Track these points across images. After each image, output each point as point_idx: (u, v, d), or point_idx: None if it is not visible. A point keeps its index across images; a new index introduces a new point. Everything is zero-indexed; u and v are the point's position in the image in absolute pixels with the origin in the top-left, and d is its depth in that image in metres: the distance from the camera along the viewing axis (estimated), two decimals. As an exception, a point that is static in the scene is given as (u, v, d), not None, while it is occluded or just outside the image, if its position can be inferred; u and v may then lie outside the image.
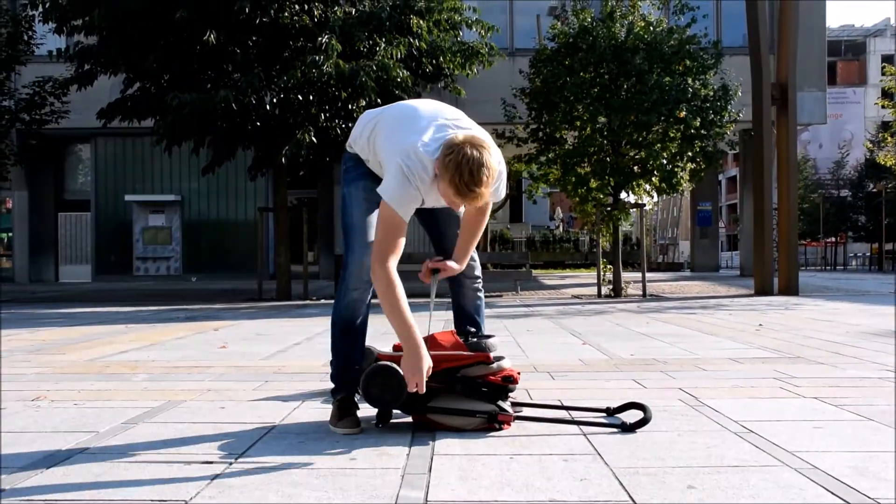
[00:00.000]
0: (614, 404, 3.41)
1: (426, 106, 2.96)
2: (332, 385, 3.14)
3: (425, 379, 2.68)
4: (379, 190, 2.77)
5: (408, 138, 2.76)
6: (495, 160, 2.68)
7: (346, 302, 3.05)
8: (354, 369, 3.04)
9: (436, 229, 3.27)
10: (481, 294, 3.36)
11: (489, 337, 3.06)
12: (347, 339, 3.09)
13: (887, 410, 3.24)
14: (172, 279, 21.64)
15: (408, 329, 2.68)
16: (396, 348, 2.90)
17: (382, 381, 2.75)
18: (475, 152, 2.58)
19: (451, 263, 3.05)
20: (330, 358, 3.15)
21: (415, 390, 2.68)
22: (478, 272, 3.33)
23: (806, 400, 3.51)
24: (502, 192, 2.95)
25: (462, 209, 3.01)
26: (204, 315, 9.55)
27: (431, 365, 2.71)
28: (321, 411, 3.35)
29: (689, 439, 2.77)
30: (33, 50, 16.91)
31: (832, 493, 2.13)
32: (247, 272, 19.71)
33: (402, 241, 2.78)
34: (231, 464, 2.48)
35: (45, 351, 5.77)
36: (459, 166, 2.56)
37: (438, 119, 2.83)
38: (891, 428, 2.93)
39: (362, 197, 3.04)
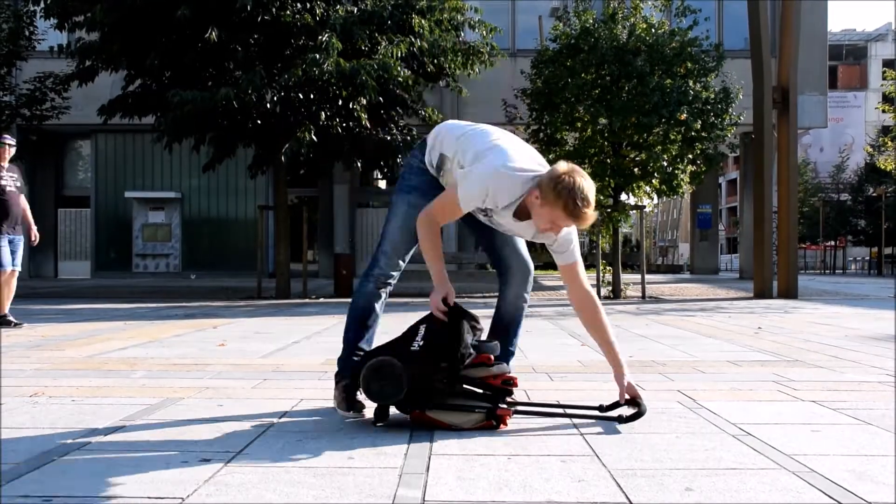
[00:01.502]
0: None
1: (514, 139, 3.23)
2: (339, 371, 3.31)
3: (452, 298, 3.02)
4: (460, 178, 3.03)
5: (504, 160, 2.98)
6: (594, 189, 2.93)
7: (365, 292, 3.31)
8: (361, 356, 3.22)
9: (486, 234, 3.38)
10: (525, 306, 3.53)
11: (491, 341, 3.14)
12: (359, 327, 3.31)
13: (886, 414, 3.24)
14: (172, 276, 21.64)
15: (437, 266, 3.08)
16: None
17: (382, 377, 2.87)
18: (583, 180, 2.85)
19: (623, 379, 3.16)
20: (328, 357, 3.21)
21: (443, 311, 2.99)
22: (530, 285, 3.49)
23: (804, 403, 3.51)
24: (574, 247, 3.20)
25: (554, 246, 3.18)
26: (203, 312, 9.55)
27: (454, 294, 3.04)
28: (319, 410, 3.35)
29: (687, 441, 2.77)
30: (35, 46, 16.91)
31: (830, 496, 2.13)
32: (246, 270, 19.73)
33: (450, 219, 3.13)
34: (228, 462, 2.48)
35: (43, 347, 5.77)
36: (573, 191, 2.80)
37: (534, 156, 3.14)
38: (889, 432, 2.93)
39: (405, 211, 3.24)
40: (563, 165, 2.91)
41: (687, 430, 2.95)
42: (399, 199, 3.28)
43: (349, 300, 3.40)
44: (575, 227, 2.97)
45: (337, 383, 3.25)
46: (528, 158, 3.05)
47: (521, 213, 3.01)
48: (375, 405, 2.95)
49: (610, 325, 3.22)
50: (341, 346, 3.34)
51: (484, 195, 2.94)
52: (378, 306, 3.31)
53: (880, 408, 3.39)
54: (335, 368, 3.35)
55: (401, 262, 3.30)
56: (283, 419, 3.16)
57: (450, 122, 3.36)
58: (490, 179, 2.93)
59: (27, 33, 16.65)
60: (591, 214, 2.87)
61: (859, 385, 4.02)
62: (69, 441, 2.76)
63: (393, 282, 3.33)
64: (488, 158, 2.99)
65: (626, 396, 3.11)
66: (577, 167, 2.92)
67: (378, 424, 2.97)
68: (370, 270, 3.31)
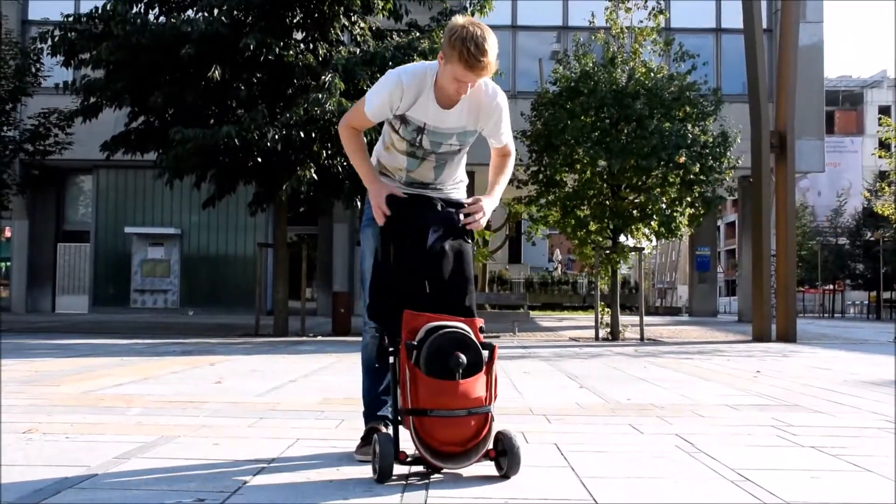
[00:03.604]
0: (610, 450, 3.40)
1: None
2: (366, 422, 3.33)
3: (385, 195, 2.98)
4: (370, 93, 3.08)
5: (401, 67, 3.12)
6: (495, 40, 2.87)
7: (365, 344, 3.32)
8: (381, 403, 3.24)
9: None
10: None
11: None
12: (370, 376, 3.32)
13: (886, 461, 3.22)
14: (170, 312, 21.58)
15: (367, 171, 3.11)
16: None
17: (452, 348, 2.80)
18: (477, 28, 2.80)
19: (484, 201, 3.08)
20: (325, 395, 3.19)
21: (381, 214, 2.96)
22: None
23: (804, 449, 3.48)
24: (506, 119, 3.17)
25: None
26: (200, 349, 9.51)
27: (390, 192, 3.00)
28: (315, 450, 3.33)
29: (685, 486, 2.75)
30: (40, 82, 17.09)
31: (830, 545, 2.11)
32: (244, 307, 19.68)
33: (365, 123, 3.14)
34: (223, 501, 2.46)
35: (38, 382, 5.74)
36: (465, 39, 2.77)
37: None
38: (889, 480, 2.91)
39: (372, 245, 3.20)
40: (460, 18, 2.89)
41: (685, 475, 2.92)
42: (364, 234, 3.29)
43: (347, 339, 3.41)
44: (474, 76, 2.85)
45: (365, 438, 3.18)
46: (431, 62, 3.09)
47: (442, 99, 2.99)
48: (380, 466, 2.71)
49: (506, 174, 3.24)
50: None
51: (395, 89, 2.96)
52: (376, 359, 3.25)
53: (880, 454, 3.37)
54: (332, 408, 3.34)
55: None
56: (279, 459, 3.13)
57: None
58: (395, 74, 3.01)
59: (33, 70, 16.84)
60: (489, 63, 2.81)
61: (859, 431, 3.99)
62: (62, 479, 2.73)
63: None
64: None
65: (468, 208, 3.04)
66: (475, 20, 2.88)
67: (381, 482, 2.73)
68: (363, 318, 3.25)
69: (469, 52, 2.76)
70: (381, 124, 3.21)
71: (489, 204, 3.08)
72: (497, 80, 12.19)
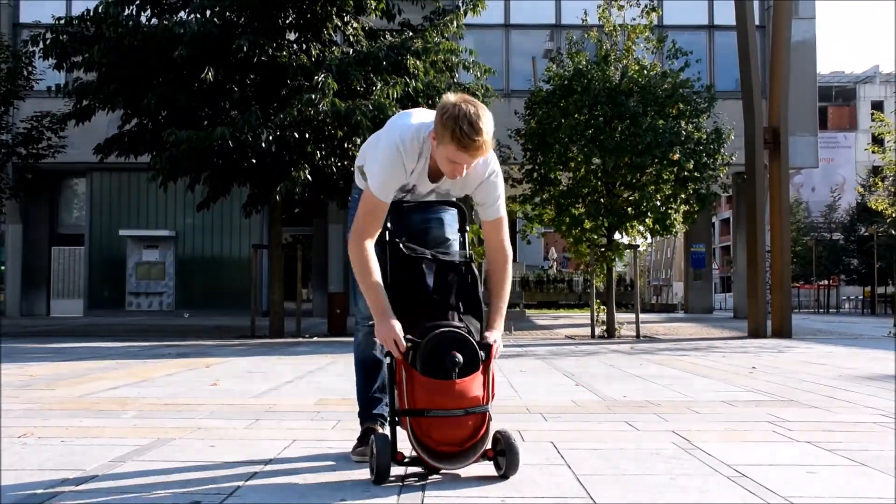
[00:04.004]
0: (607, 447, 3.40)
1: (419, 111, 3.09)
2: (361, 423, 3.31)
3: (400, 336, 2.74)
4: (366, 171, 2.95)
5: (397, 128, 2.92)
6: (490, 117, 2.75)
7: (358, 343, 3.30)
8: (376, 402, 3.24)
9: None
10: None
11: None
12: (364, 375, 3.30)
13: (881, 456, 3.23)
14: (165, 315, 21.53)
15: (378, 300, 2.82)
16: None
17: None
18: (470, 106, 2.69)
19: (490, 335, 2.90)
20: (321, 396, 3.17)
21: (395, 350, 2.76)
22: None
23: (799, 444, 3.49)
24: (500, 189, 3.01)
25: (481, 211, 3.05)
26: (196, 352, 9.50)
27: (400, 329, 2.77)
28: (311, 450, 3.33)
29: (681, 483, 2.75)
30: (33, 85, 17.05)
31: (826, 539, 2.11)
32: (240, 309, 19.60)
33: (382, 221, 2.91)
34: (220, 503, 2.46)
35: (33, 386, 5.72)
36: (457, 119, 2.65)
37: (428, 116, 2.94)
38: (884, 474, 2.91)
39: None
40: (451, 96, 2.76)
41: (681, 472, 2.93)
42: (356, 194, 3.23)
43: (343, 339, 3.40)
44: (469, 158, 2.74)
45: (361, 439, 3.17)
46: (419, 118, 2.93)
47: (433, 173, 2.92)
48: (376, 467, 2.71)
49: (507, 291, 3.04)
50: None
51: (398, 167, 2.84)
52: (377, 352, 3.22)
53: (875, 449, 3.38)
54: (328, 409, 3.34)
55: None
56: (275, 460, 3.13)
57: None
58: (391, 148, 2.84)
59: (25, 73, 16.79)
60: (484, 142, 2.68)
61: (854, 426, 4.01)
62: (57, 483, 2.72)
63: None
64: (383, 134, 2.96)
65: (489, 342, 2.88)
66: (468, 96, 2.76)
67: (378, 484, 2.74)
68: (357, 317, 3.27)
69: (462, 131, 2.64)
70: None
71: (499, 335, 2.95)
72: (491, 79, 12.25)
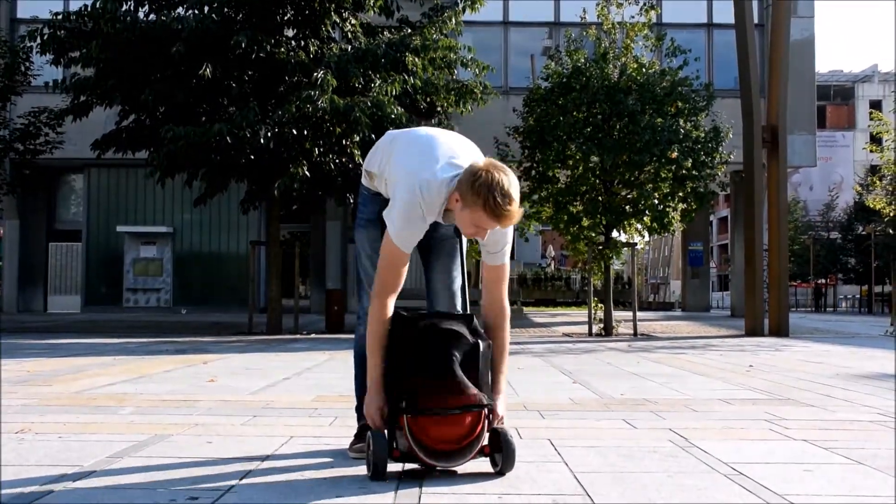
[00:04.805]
0: (604, 445, 3.40)
1: (443, 138, 3.00)
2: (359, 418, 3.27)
3: (378, 417, 2.78)
4: (385, 217, 2.87)
5: (420, 170, 2.82)
6: (517, 184, 2.74)
7: (360, 336, 3.22)
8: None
9: (427, 259, 3.26)
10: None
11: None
12: (363, 370, 3.18)
13: (878, 454, 3.23)
14: (163, 311, 21.53)
15: (377, 373, 2.83)
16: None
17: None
18: (503, 175, 2.67)
19: (500, 404, 2.88)
20: (318, 393, 3.15)
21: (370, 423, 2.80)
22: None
23: (796, 442, 3.49)
24: (510, 237, 2.97)
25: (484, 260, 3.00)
26: (193, 348, 9.49)
27: (385, 406, 2.79)
28: (309, 447, 3.32)
29: (678, 481, 2.75)
30: (30, 81, 17.01)
31: (822, 537, 2.12)
32: (237, 305, 19.63)
33: (404, 274, 2.89)
34: (217, 500, 2.45)
35: (31, 382, 5.72)
36: (491, 188, 2.62)
37: (452, 158, 2.87)
38: (881, 472, 2.92)
39: (369, 245, 3.15)
40: (480, 161, 2.74)
41: (678, 470, 2.93)
42: (358, 235, 3.21)
43: (340, 336, 3.39)
44: (500, 227, 2.74)
45: (358, 435, 3.18)
46: (443, 161, 2.84)
47: (446, 218, 2.89)
48: (373, 463, 2.73)
49: (507, 351, 3.01)
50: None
51: (417, 220, 2.79)
52: None
53: (872, 447, 3.38)
54: (326, 405, 3.34)
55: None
56: (272, 457, 3.13)
57: (384, 137, 3.23)
58: (413, 197, 2.77)
59: (23, 69, 16.76)
60: (516, 211, 2.67)
61: (851, 424, 4.01)
62: (55, 478, 2.72)
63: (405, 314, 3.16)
64: (400, 185, 2.85)
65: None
66: (496, 162, 2.73)
67: (374, 480, 2.75)
68: (359, 313, 3.26)
69: (496, 201, 2.61)
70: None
71: (503, 403, 2.94)
72: (489, 76, 12.22)
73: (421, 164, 2.84)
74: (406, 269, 2.88)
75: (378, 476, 2.71)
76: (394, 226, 2.81)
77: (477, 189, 2.64)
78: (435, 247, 3.23)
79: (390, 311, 2.85)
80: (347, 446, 3.19)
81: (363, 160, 3.27)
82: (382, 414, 2.79)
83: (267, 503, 2.43)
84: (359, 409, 3.29)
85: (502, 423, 2.87)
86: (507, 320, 3.01)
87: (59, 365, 7.17)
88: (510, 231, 2.94)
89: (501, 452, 2.76)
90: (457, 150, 2.94)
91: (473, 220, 2.70)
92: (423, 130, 3.14)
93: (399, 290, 2.88)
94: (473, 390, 2.75)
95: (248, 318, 13.39)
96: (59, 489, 2.58)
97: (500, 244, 2.95)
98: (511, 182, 2.67)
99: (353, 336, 3.39)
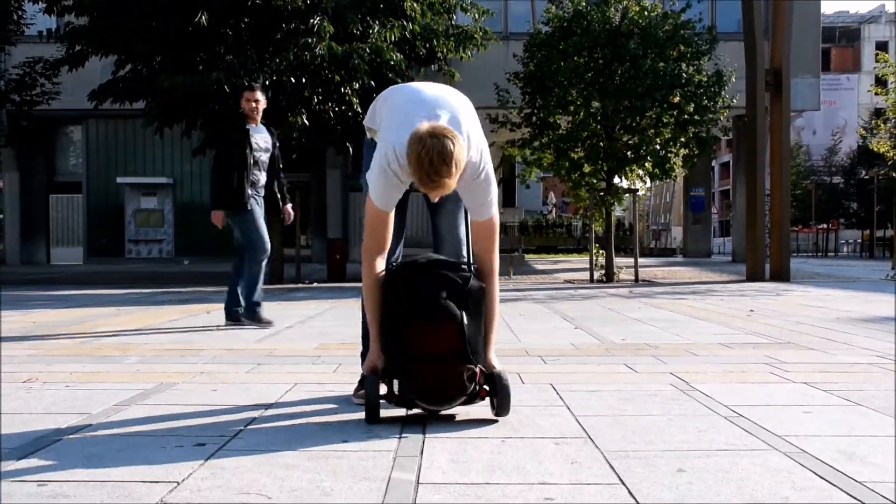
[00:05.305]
0: (605, 389, 3.44)
1: (429, 93, 2.97)
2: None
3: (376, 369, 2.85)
4: (366, 179, 2.91)
5: (395, 135, 2.81)
6: (461, 149, 2.65)
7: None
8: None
9: (434, 209, 3.27)
10: None
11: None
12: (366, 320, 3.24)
13: (876, 395, 3.26)
14: (165, 262, 21.61)
15: (375, 328, 2.90)
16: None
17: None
18: (436, 141, 2.59)
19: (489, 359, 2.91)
20: (321, 341, 3.17)
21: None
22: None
23: (796, 385, 3.53)
24: (490, 191, 2.92)
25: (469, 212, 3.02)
26: (196, 298, 9.54)
27: (382, 364, 2.84)
28: (313, 394, 3.36)
29: (679, 423, 2.79)
30: (23, 30, 16.78)
31: (820, 476, 2.15)
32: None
33: (389, 233, 2.92)
34: (223, 445, 2.49)
35: (36, 332, 5.76)
36: (420, 158, 2.59)
37: (433, 115, 2.82)
38: (879, 412, 2.95)
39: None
40: (424, 125, 2.67)
41: (679, 412, 2.96)
42: (363, 181, 3.14)
43: (342, 284, 3.39)
44: (431, 196, 2.76)
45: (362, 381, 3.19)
46: (420, 121, 2.77)
47: None
48: (366, 404, 2.80)
49: (496, 308, 2.96)
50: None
51: (391, 181, 2.82)
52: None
53: (871, 389, 3.42)
54: (329, 353, 3.36)
55: (395, 242, 3.13)
56: (277, 403, 3.17)
57: (380, 96, 3.19)
58: (382, 168, 2.81)
59: (15, 17, 16.52)
60: (446, 182, 2.62)
61: (850, 367, 4.05)
62: (63, 426, 2.76)
63: (394, 265, 3.18)
64: (378, 150, 2.89)
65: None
66: (436, 127, 2.65)
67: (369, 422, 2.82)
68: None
69: (423, 168, 2.60)
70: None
71: (493, 353, 2.95)
72: (489, 21, 12.05)
73: (397, 129, 2.81)
74: (391, 228, 2.91)
75: (371, 416, 2.77)
76: (372, 186, 2.85)
77: (409, 158, 2.64)
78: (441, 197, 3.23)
79: (380, 268, 2.90)
80: (352, 393, 3.23)
81: (362, 108, 3.25)
82: (379, 367, 2.86)
83: (273, 449, 2.46)
84: (363, 354, 3.32)
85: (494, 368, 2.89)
86: (493, 275, 2.97)
87: (64, 316, 7.22)
88: (486, 184, 2.89)
89: (497, 395, 2.80)
90: (442, 104, 2.89)
91: (418, 181, 2.69)
92: (413, 87, 3.10)
93: (387, 248, 2.92)
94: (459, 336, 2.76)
95: (251, 268, 13.41)
96: (67, 436, 2.62)
97: (477, 199, 2.91)
98: (445, 149, 2.58)
99: (354, 285, 3.41)
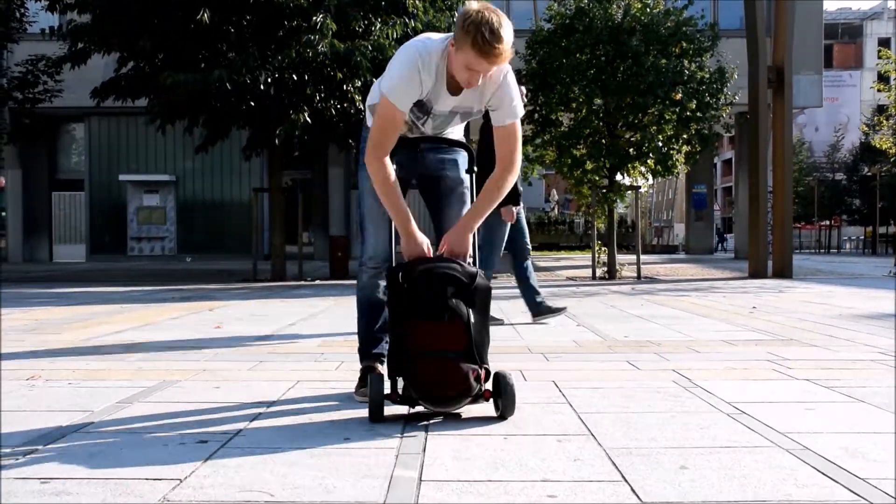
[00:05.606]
0: (608, 386, 3.44)
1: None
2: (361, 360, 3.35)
3: (429, 251, 2.87)
4: (378, 83, 2.94)
5: (415, 41, 2.91)
6: (510, 27, 2.74)
7: (364, 283, 3.30)
8: (376, 341, 3.27)
9: (437, 208, 3.28)
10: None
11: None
12: (367, 315, 3.31)
13: (878, 392, 3.26)
14: (167, 259, 21.61)
15: (404, 218, 2.90)
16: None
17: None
18: (493, 14, 2.68)
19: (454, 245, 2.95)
20: (324, 338, 3.18)
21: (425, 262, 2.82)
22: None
23: (798, 382, 3.53)
24: (515, 91, 2.97)
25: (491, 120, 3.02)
26: (199, 295, 9.55)
27: (429, 245, 2.89)
28: (316, 391, 3.36)
29: (681, 420, 2.78)
30: (26, 28, 16.79)
31: (823, 473, 2.15)
32: (242, 252, 19.69)
33: (396, 136, 2.92)
34: (226, 443, 2.49)
35: (39, 330, 5.77)
36: (480, 25, 2.64)
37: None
38: (881, 409, 2.95)
39: (370, 186, 3.08)
40: (474, 3, 2.75)
41: (682, 409, 2.96)
42: (361, 174, 3.17)
43: (344, 282, 3.40)
44: (489, 65, 2.73)
45: (362, 379, 3.22)
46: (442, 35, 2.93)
47: (453, 86, 2.90)
48: (370, 403, 2.79)
49: (497, 194, 2.99)
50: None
51: (414, 73, 2.81)
52: (380, 294, 3.25)
53: (873, 385, 3.41)
54: (331, 350, 3.36)
55: (390, 238, 3.14)
56: (279, 401, 3.17)
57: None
58: (410, 54, 2.83)
59: (18, 15, 16.53)
60: (505, 50, 2.69)
61: (853, 363, 4.04)
62: (66, 424, 2.76)
63: (388, 263, 3.18)
64: (402, 47, 2.91)
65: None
66: (491, 5, 2.74)
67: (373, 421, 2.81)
68: (361, 258, 3.29)
69: (483, 37, 2.63)
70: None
71: (458, 239, 2.95)
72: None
73: (418, 39, 2.91)
74: (398, 132, 2.92)
75: (375, 416, 2.76)
76: (390, 80, 2.85)
77: (467, 27, 2.66)
78: (444, 196, 3.25)
79: (390, 166, 2.89)
80: (353, 390, 3.23)
81: (364, 106, 3.23)
82: (428, 252, 2.86)
83: (276, 447, 2.46)
84: (362, 351, 3.33)
85: (450, 254, 2.91)
86: (510, 171, 2.98)
87: (67, 313, 7.23)
88: (512, 85, 2.94)
89: (502, 397, 2.78)
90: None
91: (466, 61, 2.71)
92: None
93: (392, 147, 2.92)
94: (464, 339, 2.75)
95: (253, 266, 13.42)
96: (70, 433, 2.62)
97: (505, 101, 2.94)
98: (501, 22, 2.67)
99: (356, 282, 3.41)
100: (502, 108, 2.95)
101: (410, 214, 2.91)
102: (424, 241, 2.89)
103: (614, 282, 12.52)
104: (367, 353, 3.31)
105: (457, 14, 2.72)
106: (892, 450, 2.39)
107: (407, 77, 2.82)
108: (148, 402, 3.16)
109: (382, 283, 3.20)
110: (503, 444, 2.47)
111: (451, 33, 2.81)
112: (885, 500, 1.95)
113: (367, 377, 2.96)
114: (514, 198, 5.90)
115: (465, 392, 2.73)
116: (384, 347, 3.24)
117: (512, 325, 5.95)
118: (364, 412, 2.88)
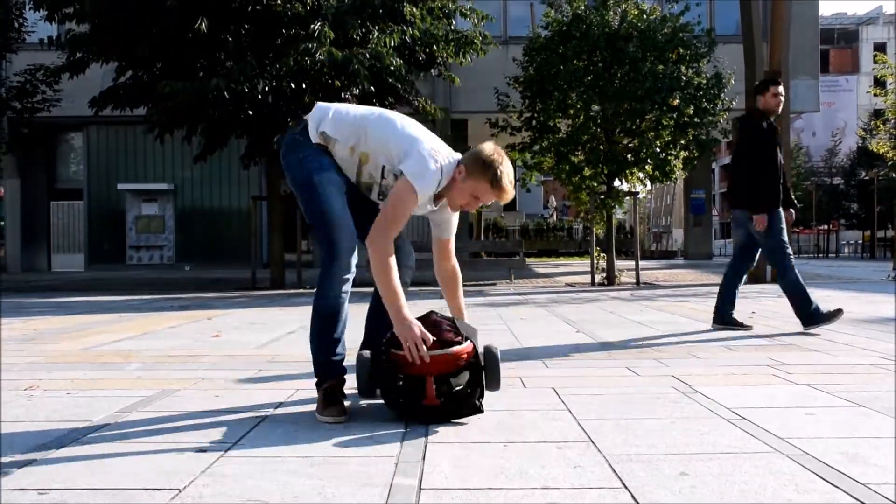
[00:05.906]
0: (607, 393, 3.43)
1: (413, 128, 3.16)
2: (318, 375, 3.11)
3: (425, 336, 2.84)
4: (404, 168, 2.96)
5: (428, 140, 3.07)
6: None
7: (335, 294, 3.03)
8: (338, 357, 3.08)
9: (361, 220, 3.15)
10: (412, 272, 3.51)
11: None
12: (332, 330, 3.06)
13: (879, 397, 3.26)
14: (166, 268, 21.60)
15: (398, 300, 2.88)
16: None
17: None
18: (506, 159, 3.03)
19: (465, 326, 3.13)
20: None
21: (418, 356, 2.81)
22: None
23: (798, 387, 3.52)
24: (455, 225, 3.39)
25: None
26: (197, 304, 9.54)
27: (421, 328, 2.86)
28: (315, 400, 3.35)
29: (681, 426, 2.78)
30: (24, 38, 16.82)
31: (823, 478, 2.15)
32: (240, 261, 19.67)
33: (403, 220, 3.02)
34: (225, 452, 2.49)
35: (37, 340, 5.76)
36: (501, 166, 2.97)
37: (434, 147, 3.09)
38: (881, 414, 2.95)
39: (337, 188, 3.07)
40: (489, 145, 3.04)
41: (682, 415, 2.96)
42: (322, 176, 3.04)
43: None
44: (499, 201, 3.09)
45: (319, 388, 3.06)
46: (440, 143, 3.13)
47: (437, 197, 3.11)
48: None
49: (461, 283, 3.36)
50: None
51: (436, 183, 3.00)
52: (346, 303, 3.08)
53: (873, 390, 3.41)
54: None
55: (357, 242, 3.08)
56: (278, 410, 3.16)
57: (325, 105, 3.28)
58: (438, 168, 3.00)
59: (16, 25, 16.57)
60: (512, 192, 3.03)
61: (853, 368, 4.04)
62: (65, 434, 2.75)
63: (356, 270, 3.10)
64: (418, 149, 3.00)
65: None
66: (501, 150, 3.07)
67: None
68: (333, 274, 3.03)
69: (506, 178, 2.97)
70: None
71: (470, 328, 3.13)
72: (488, 25, 12.09)
73: (432, 146, 3.05)
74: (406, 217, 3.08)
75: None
76: (422, 182, 2.94)
77: (487, 165, 2.96)
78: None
79: (393, 250, 2.99)
80: (346, 402, 3.04)
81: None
82: (424, 337, 2.83)
83: (275, 455, 2.46)
84: (322, 364, 3.07)
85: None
86: (458, 277, 3.34)
87: (65, 323, 7.22)
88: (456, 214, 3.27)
89: (487, 369, 2.95)
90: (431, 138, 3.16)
91: (476, 191, 2.99)
92: (389, 115, 3.20)
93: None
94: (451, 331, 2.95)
95: (251, 274, 13.42)
96: (69, 443, 2.61)
97: (454, 221, 3.30)
98: (510, 170, 3.03)
99: (354, 290, 3.27)
100: (451, 226, 3.30)
101: (404, 296, 2.92)
102: (416, 325, 2.84)
103: (613, 288, 12.52)
104: (328, 365, 3.05)
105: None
106: (892, 454, 2.39)
107: (433, 184, 2.99)
108: (147, 411, 3.15)
109: (348, 288, 3.07)
110: (503, 451, 2.47)
111: (459, 155, 3.12)
112: (885, 505, 1.95)
113: (336, 397, 2.98)
114: (754, 204, 5.89)
115: (442, 413, 2.87)
116: (342, 353, 3.08)
117: (511, 331, 5.95)
118: (364, 420, 2.88)
